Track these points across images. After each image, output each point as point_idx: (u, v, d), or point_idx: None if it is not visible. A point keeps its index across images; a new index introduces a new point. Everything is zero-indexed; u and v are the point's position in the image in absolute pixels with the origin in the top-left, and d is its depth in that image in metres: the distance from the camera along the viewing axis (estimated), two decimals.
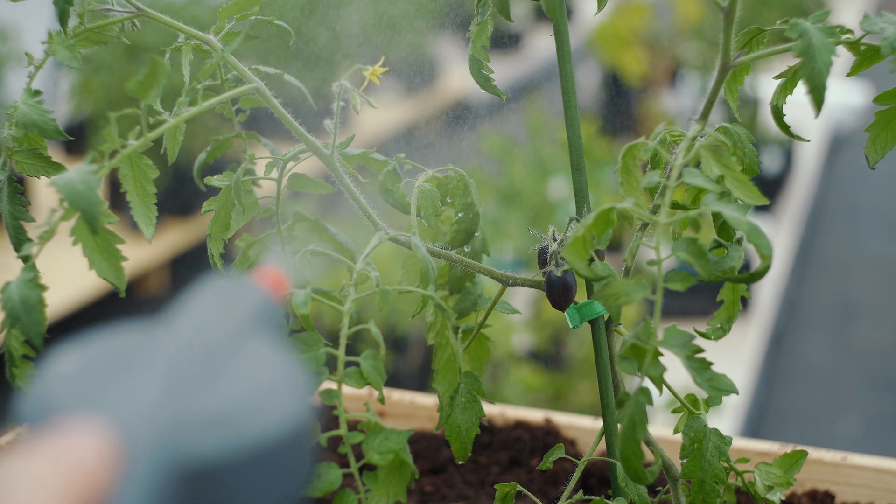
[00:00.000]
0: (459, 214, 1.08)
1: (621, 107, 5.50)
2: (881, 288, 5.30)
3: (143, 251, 4.44)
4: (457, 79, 7.05)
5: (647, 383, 0.87)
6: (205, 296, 0.56)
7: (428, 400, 1.42)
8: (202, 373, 0.50)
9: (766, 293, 4.48)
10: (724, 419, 3.38)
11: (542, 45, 8.13)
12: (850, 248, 5.74)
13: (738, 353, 3.96)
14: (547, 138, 3.95)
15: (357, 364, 0.93)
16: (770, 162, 5.40)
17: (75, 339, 0.52)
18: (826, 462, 1.29)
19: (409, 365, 3.41)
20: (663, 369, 0.87)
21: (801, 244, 5.38)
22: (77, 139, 4.41)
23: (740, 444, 1.32)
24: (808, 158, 6.23)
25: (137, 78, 0.88)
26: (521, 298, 3.64)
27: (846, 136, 6.88)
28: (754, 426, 3.77)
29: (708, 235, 1.00)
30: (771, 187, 5.34)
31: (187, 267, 4.86)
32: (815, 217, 5.91)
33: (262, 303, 0.57)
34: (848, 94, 6.66)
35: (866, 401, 4.22)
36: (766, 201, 0.89)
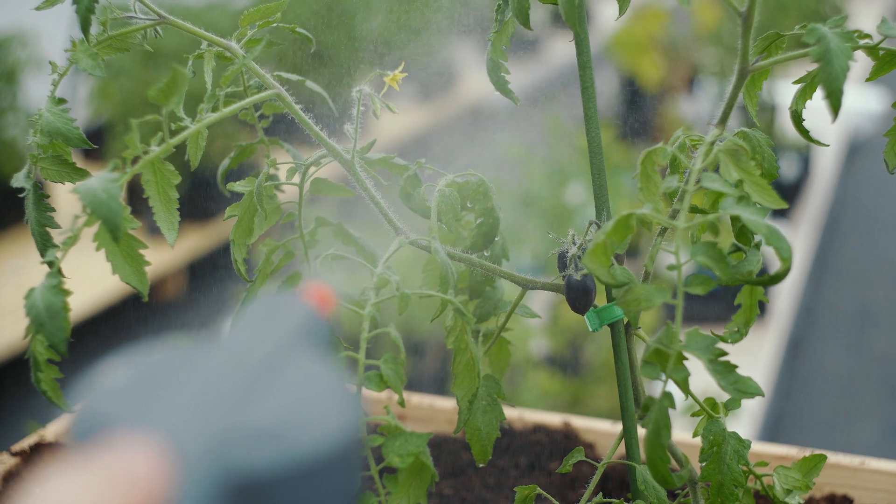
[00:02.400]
0: (479, 219, 1.08)
1: (639, 112, 5.49)
2: None
3: (162, 256, 4.46)
4: (476, 84, 7.06)
5: (671, 387, 0.87)
6: (253, 312, 0.56)
7: (447, 404, 1.43)
8: (251, 388, 0.50)
9: (784, 299, 4.47)
10: (743, 424, 3.38)
11: (560, 50, 8.14)
12: (868, 254, 5.73)
13: (755, 359, 3.95)
14: (566, 144, 3.95)
15: (377, 368, 0.93)
16: (788, 168, 5.40)
17: (121, 351, 0.53)
18: (844, 466, 1.29)
19: (429, 369, 3.42)
20: (687, 373, 0.87)
21: (818, 250, 5.37)
22: (96, 144, 4.42)
23: (759, 447, 1.32)
24: (826, 164, 6.21)
25: (158, 86, 0.89)
26: (539, 303, 3.64)
27: (864, 142, 6.86)
28: (772, 432, 3.76)
29: (728, 241, 1.00)
30: (789, 193, 5.33)
31: (206, 272, 4.88)
32: (832, 223, 5.90)
33: (308, 318, 0.57)
34: (866, 100, 6.65)
35: (885, 407, 4.21)
36: (784, 205, 0.89)
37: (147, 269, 0.96)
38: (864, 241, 5.95)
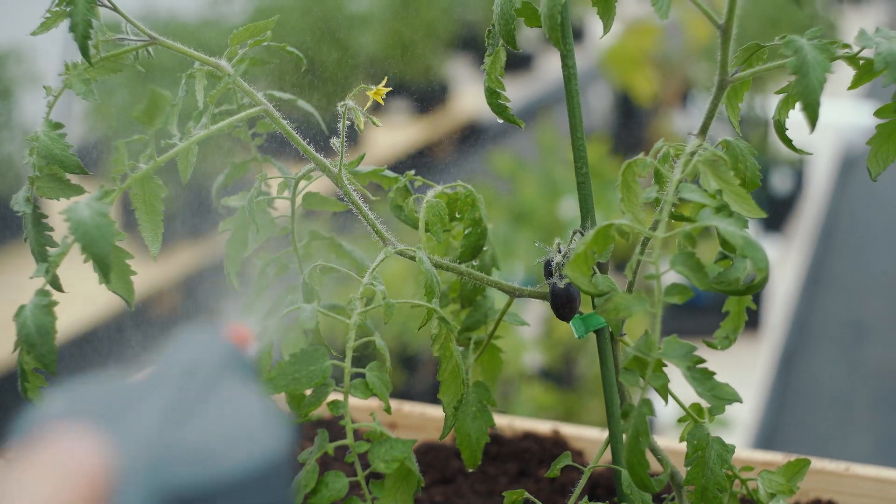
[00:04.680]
0: (468, 229, 1.10)
1: (632, 127, 5.52)
2: (892, 307, 5.30)
3: (154, 273, 4.46)
4: (468, 99, 7.08)
5: (651, 395, 0.89)
6: (178, 348, 0.60)
7: (437, 412, 1.44)
8: (182, 412, 0.54)
9: (778, 312, 4.49)
10: (735, 437, 3.39)
11: (553, 66, 8.15)
12: (861, 268, 5.74)
13: (749, 372, 3.96)
14: (558, 158, 3.96)
15: (363, 375, 0.95)
16: (781, 182, 5.41)
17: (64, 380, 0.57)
18: (829, 472, 1.31)
19: (421, 382, 3.43)
20: (666, 379, 0.89)
21: (812, 264, 5.39)
22: (91, 159, 4.43)
23: (745, 454, 1.33)
24: (819, 178, 6.23)
25: (140, 107, 0.91)
26: (533, 317, 3.65)
27: (857, 157, 6.88)
28: (765, 445, 3.77)
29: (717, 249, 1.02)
30: (782, 207, 5.35)
31: (198, 288, 4.88)
32: (826, 237, 5.92)
33: (230, 352, 0.61)
34: (859, 115, 6.67)
35: (878, 420, 4.22)
36: (763, 214, 0.90)
37: (140, 285, 0.98)
38: (857, 254, 5.97)
